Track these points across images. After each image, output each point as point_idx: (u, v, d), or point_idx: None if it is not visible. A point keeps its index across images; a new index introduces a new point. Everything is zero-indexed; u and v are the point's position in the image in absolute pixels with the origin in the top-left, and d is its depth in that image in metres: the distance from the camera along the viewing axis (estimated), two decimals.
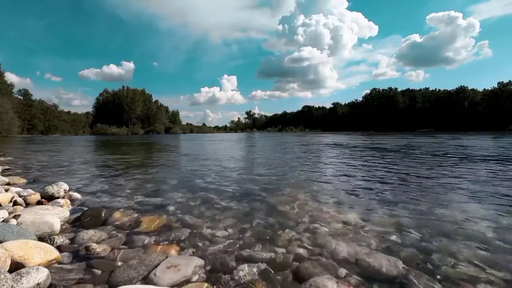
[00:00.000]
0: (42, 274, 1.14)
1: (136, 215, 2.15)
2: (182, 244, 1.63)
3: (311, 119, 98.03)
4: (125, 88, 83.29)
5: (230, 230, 1.84)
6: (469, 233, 1.78)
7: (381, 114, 74.52)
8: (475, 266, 1.35)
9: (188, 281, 1.24)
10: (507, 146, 9.77)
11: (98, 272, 1.30)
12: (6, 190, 2.63)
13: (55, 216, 1.87)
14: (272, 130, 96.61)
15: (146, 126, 78.34)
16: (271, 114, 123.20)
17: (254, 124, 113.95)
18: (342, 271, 1.32)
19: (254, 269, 1.33)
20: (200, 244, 1.64)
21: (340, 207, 2.40)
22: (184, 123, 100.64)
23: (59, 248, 1.53)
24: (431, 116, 64.48)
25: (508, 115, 52.03)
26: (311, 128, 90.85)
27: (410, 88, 77.96)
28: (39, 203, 2.36)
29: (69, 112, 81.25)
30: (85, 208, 2.29)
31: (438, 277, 1.26)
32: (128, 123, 78.48)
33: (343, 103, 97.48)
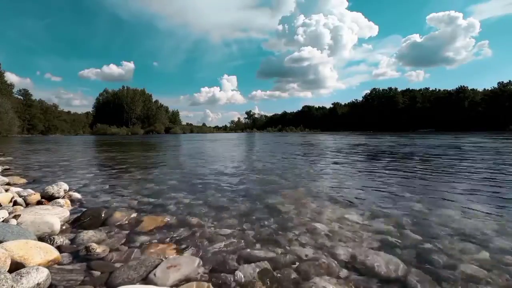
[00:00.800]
0: (42, 274, 1.14)
1: (136, 215, 2.15)
2: (182, 244, 1.62)
3: (311, 119, 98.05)
4: (125, 88, 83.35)
5: (230, 230, 1.84)
6: (470, 233, 1.78)
7: (381, 114, 74.53)
8: (475, 266, 1.35)
9: (188, 281, 1.24)
10: (507, 146, 9.76)
11: (98, 272, 1.30)
12: (6, 190, 2.63)
13: (55, 216, 1.87)
14: (272, 130, 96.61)
15: (146, 126, 78.34)
16: (271, 114, 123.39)
17: (254, 124, 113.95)
18: (342, 272, 1.32)
19: (254, 269, 1.33)
20: (200, 244, 1.64)
21: (340, 207, 2.40)
22: (184, 123, 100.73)
23: (59, 248, 1.52)
24: (431, 116, 64.50)
25: (508, 115, 52.04)
26: (311, 128, 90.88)
27: (410, 88, 78.06)
28: (39, 203, 2.36)
29: (69, 112, 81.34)
30: (85, 208, 2.29)
31: (438, 277, 1.26)
32: (128, 123, 78.47)
33: (343, 103, 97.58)
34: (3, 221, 1.75)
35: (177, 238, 1.72)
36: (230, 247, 1.59)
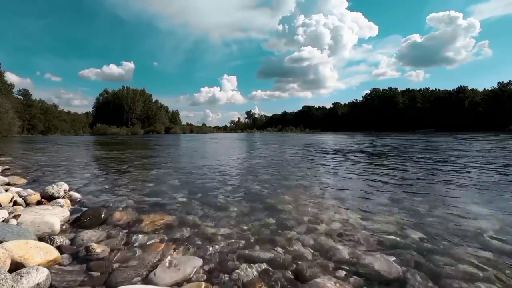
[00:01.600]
0: (42, 274, 1.14)
1: (136, 214, 2.15)
2: (182, 244, 1.63)
3: (311, 119, 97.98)
4: (125, 88, 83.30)
5: (230, 230, 1.85)
6: (470, 233, 1.78)
7: (381, 114, 74.52)
8: (475, 266, 1.35)
9: (188, 280, 1.24)
10: (507, 146, 9.76)
11: (98, 272, 1.30)
12: (6, 190, 2.63)
13: (55, 216, 1.87)
14: (272, 130, 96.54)
15: (146, 126, 78.29)
16: (271, 114, 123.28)
17: (254, 124, 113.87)
18: (342, 272, 1.32)
19: (254, 269, 1.33)
20: (200, 243, 1.64)
21: (340, 207, 2.40)
22: (184, 123, 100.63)
23: (59, 248, 1.53)
24: (431, 116, 64.47)
25: (508, 115, 52.04)
26: (311, 128, 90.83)
27: (410, 88, 77.98)
28: (39, 203, 2.36)
29: (69, 112, 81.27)
30: (85, 208, 2.29)
31: (438, 277, 1.26)
32: (128, 123, 78.44)
33: (343, 103, 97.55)
34: (3, 221, 1.75)
35: (177, 238, 1.72)
36: (230, 247, 1.59)
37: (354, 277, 1.28)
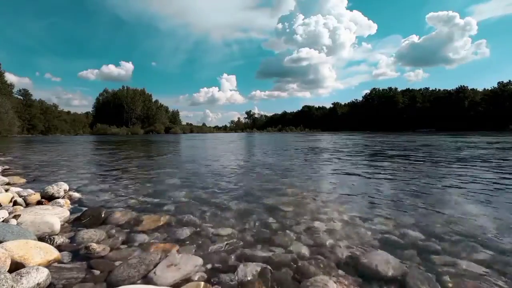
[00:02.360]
0: (42, 274, 1.14)
1: (136, 214, 2.15)
2: (182, 243, 1.63)
3: (311, 119, 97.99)
4: (125, 88, 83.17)
5: (230, 230, 1.84)
6: (470, 232, 1.78)
7: (381, 114, 74.52)
8: (475, 266, 1.35)
9: (188, 280, 1.24)
10: (507, 145, 9.76)
11: (98, 271, 1.30)
12: (6, 190, 2.63)
13: (55, 216, 1.87)
14: (272, 130, 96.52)
15: (146, 126, 78.22)
16: (271, 114, 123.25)
17: (254, 124, 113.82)
18: (342, 271, 1.32)
19: (254, 269, 1.33)
20: (200, 243, 1.64)
21: (340, 206, 2.40)
22: (184, 123, 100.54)
23: (59, 248, 1.53)
24: (431, 116, 64.50)
25: (508, 115, 52.04)
26: (311, 128, 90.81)
27: (410, 88, 78.00)
28: (39, 203, 2.36)
29: (69, 112, 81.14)
30: (85, 208, 2.29)
31: (438, 277, 1.26)
32: (128, 123, 78.38)
33: (343, 103, 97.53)
34: (3, 221, 1.75)
35: (177, 237, 1.72)
36: (230, 247, 1.59)
37: (354, 276, 1.28)
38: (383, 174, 4.11)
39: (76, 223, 1.97)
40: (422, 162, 5.50)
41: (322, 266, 1.37)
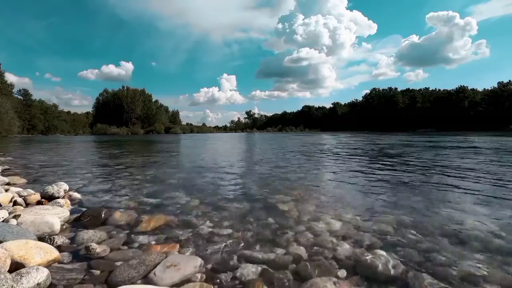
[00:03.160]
0: (42, 274, 1.14)
1: (136, 215, 2.15)
2: (182, 244, 1.63)
3: (311, 119, 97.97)
4: (125, 88, 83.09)
5: (229, 230, 1.85)
6: (469, 232, 1.78)
7: (381, 114, 74.48)
8: (475, 266, 1.35)
9: (188, 280, 1.24)
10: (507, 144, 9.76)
11: (98, 271, 1.30)
12: (6, 190, 2.63)
13: (55, 216, 1.87)
14: (272, 130, 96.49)
15: (146, 126, 78.19)
16: (270, 114, 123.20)
17: (254, 124, 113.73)
18: (342, 271, 1.32)
19: (254, 269, 1.33)
20: (200, 243, 1.64)
21: (340, 207, 2.40)
22: (184, 123, 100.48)
23: (59, 248, 1.53)
24: (431, 116, 64.45)
25: (508, 115, 52.04)
26: (311, 128, 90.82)
27: (410, 88, 77.97)
28: (39, 203, 2.36)
29: (69, 112, 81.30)
30: (85, 208, 2.29)
31: (438, 277, 1.26)
32: (128, 123, 78.33)
33: (343, 103, 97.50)
34: (3, 221, 1.75)
35: (177, 238, 1.72)
36: (230, 247, 1.59)
37: (354, 276, 1.28)
38: (383, 174, 4.11)
39: (76, 223, 1.97)
40: (422, 162, 5.50)
41: (322, 266, 1.37)
